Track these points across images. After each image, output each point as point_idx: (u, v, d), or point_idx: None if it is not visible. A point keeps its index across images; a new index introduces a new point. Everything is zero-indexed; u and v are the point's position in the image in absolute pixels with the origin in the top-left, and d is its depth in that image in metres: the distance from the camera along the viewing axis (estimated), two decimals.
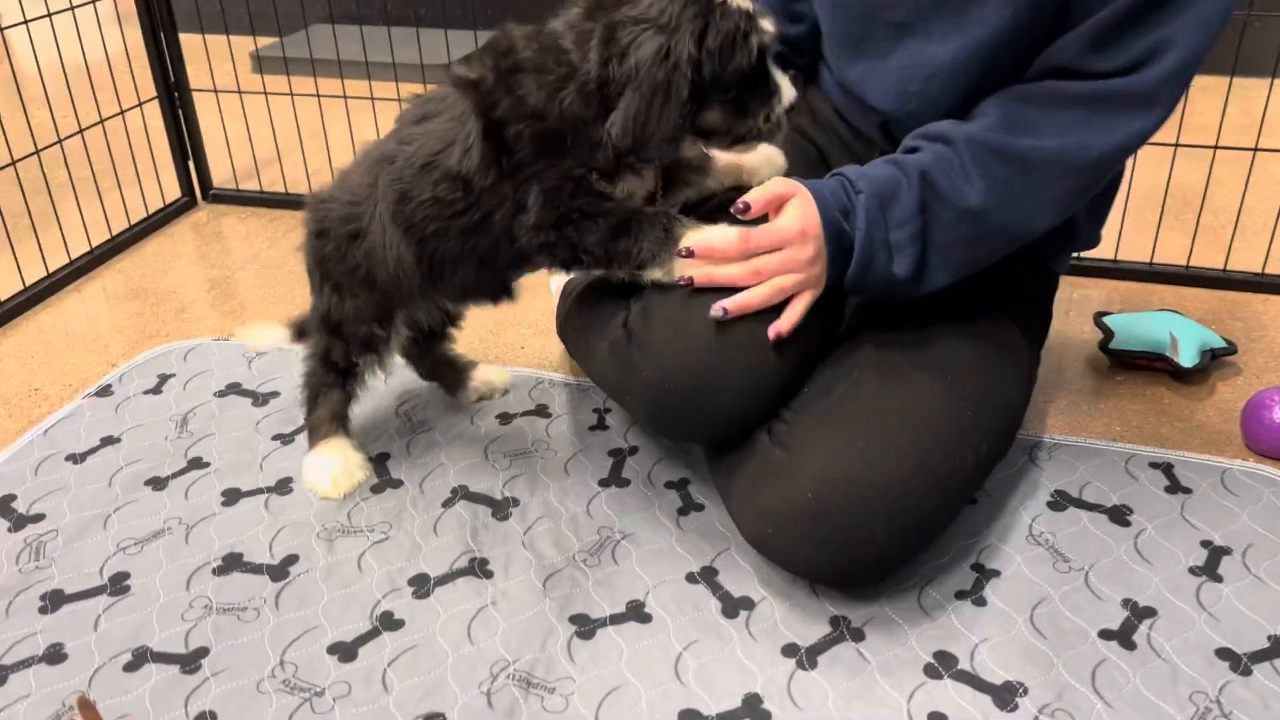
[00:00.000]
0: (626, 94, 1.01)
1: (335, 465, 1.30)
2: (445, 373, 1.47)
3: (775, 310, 1.09)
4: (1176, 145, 1.72)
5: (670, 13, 1.00)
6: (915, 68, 1.13)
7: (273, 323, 1.47)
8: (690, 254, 1.07)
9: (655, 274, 1.10)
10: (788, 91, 1.07)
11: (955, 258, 1.10)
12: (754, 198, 1.06)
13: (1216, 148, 1.70)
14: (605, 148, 1.05)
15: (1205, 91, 1.87)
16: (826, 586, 1.12)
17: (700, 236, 1.08)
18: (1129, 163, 1.81)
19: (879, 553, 1.06)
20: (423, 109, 1.16)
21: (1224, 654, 1.04)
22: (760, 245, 1.06)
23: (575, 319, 1.31)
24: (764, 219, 1.08)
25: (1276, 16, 2.14)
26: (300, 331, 1.42)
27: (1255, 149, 1.70)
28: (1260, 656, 1.04)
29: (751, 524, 1.10)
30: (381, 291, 1.22)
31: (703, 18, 1.00)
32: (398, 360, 1.49)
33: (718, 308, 1.06)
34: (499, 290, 1.22)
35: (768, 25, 1.04)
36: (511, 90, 1.07)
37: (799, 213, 1.06)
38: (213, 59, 2.20)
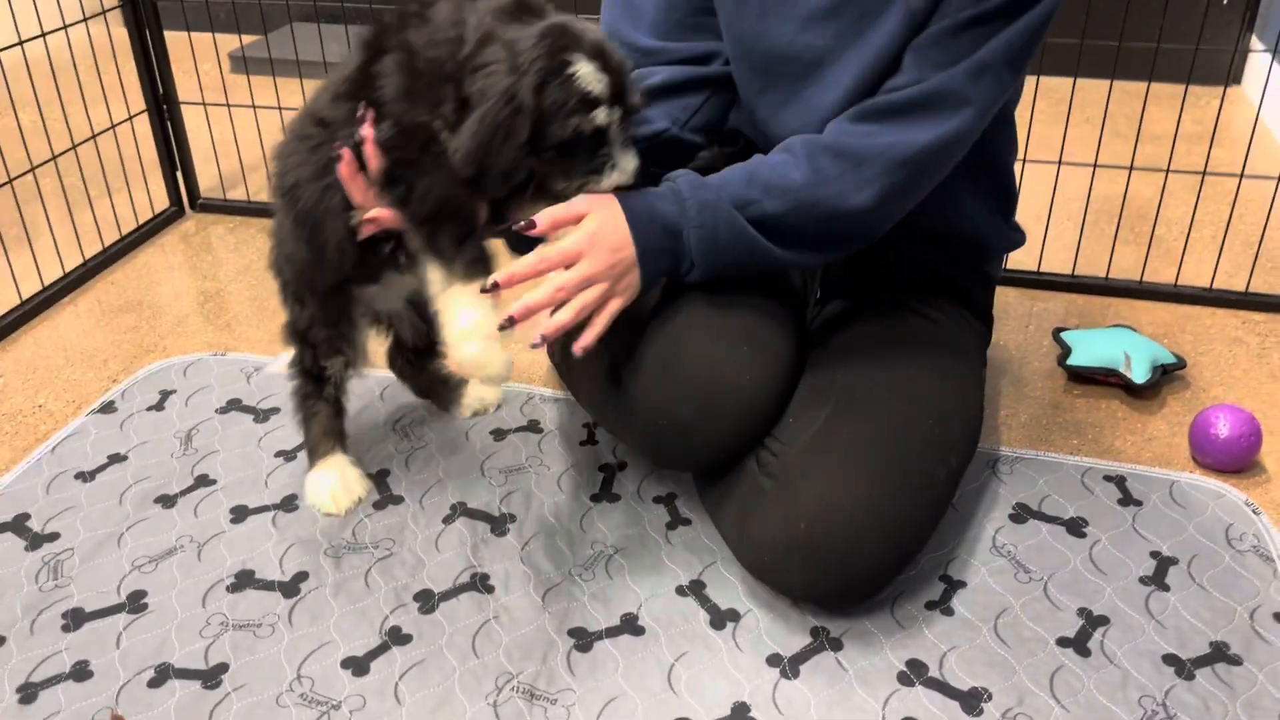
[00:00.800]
0: (471, 121, 1.04)
1: (335, 482, 1.37)
2: (438, 390, 1.54)
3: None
4: (1131, 169, 1.81)
5: (527, 58, 1.03)
6: (818, 108, 1.19)
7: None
8: (495, 287, 1.09)
9: (445, 278, 1.12)
10: (614, 177, 1.10)
11: (787, 231, 1.15)
12: (540, 217, 1.09)
13: (1168, 171, 1.80)
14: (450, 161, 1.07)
15: (1158, 101, 1.97)
16: (821, 607, 1.20)
17: (503, 270, 1.10)
18: (1085, 179, 1.90)
19: (870, 572, 1.15)
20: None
21: (1170, 659, 1.14)
22: (553, 264, 1.08)
23: (563, 357, 1.37)
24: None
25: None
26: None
27: (1204, 173, 1.79)
28: (1202, 662, 1.13)
29: (748, 553, 1.19)
30: (309, 287, 1.28)
31: (544, 77, 1.03)
32: (390, 376, 1.56)
33: (535, 337, 1.08)
34: (383, 263, 1.24)
35: (600, 116, 1.06)
36: (401, 29, 1.10)
37: (589, 228, 1.09)
38: (190, 59, 2.23)
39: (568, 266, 1.08)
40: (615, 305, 1.12)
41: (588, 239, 1.09)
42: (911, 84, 1.11)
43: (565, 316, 1.09)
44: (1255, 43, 2.68)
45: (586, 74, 1.04)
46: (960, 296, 1.36)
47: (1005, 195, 1.36)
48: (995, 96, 1.13)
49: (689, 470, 1.35)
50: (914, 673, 1.13)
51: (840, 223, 1.15)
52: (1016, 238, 1.39)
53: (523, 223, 1.09)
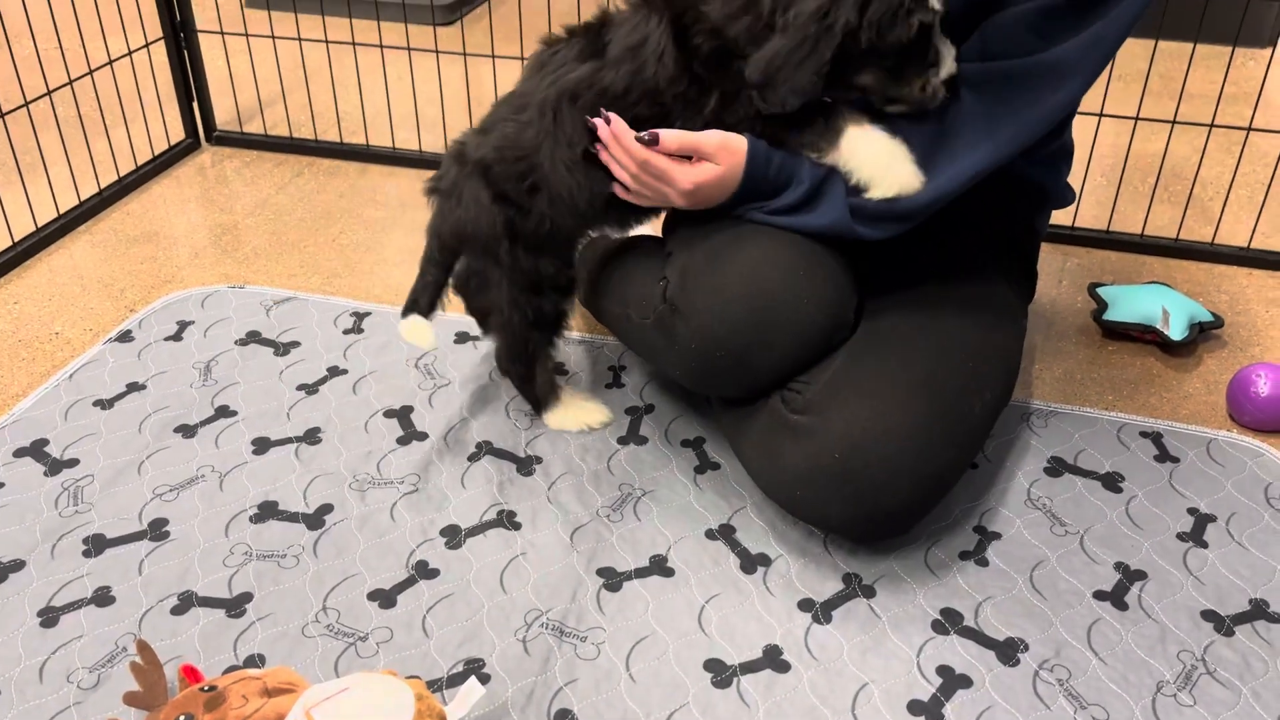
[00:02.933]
0: (775, 37, 1.07)
1: (584, 410, 1.38)
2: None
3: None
4: (1174, 123, 1.77)
5: None
6: None
7: (423, 321, 1.29)
8: (654, 139, 1.14)
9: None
10: (947, 65, 1.10)
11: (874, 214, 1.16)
12: (667, 136, 1.14)
13: (1212, 126, 1.76)
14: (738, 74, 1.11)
15: (1203, 62, 1.93)
16: (855, 542, 1.19)
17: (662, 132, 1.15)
18: (1123, 135, 1.86)
19: (904, 504, 1.13)
20: (590, 43, 1.19)
21: (1209, 615, 1.12)
22: (686, 146, 1.15)
23: (609, 294, 1.35)
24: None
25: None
26: (483, 319, 1.43)
27: (1249, 128, 1.75)
28: (1242, 619, 1.12)
29: (780, 489, 1.16)
30: (565, 236, 1.26)
31: None
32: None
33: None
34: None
35: (935, 3, 1.06)
36: (696, 5, 1.13)
37: (717, 171, 1.15)
38: None
39: (686, 157, 1.15)
40: (675, 202, 1.18)
41: (715, 175, 1.15)
42: (1028, 53, 1.11)
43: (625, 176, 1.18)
44: None
45: None
46: (1006, 249, 1.33)
47: (1066, 150, 1.33)
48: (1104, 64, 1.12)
49: (744, 396, 1.28)
50: (949, 621, 1.11)
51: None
52: (1069, 194, 1.36)
53: (646, 135, 1.14)
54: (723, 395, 1.28)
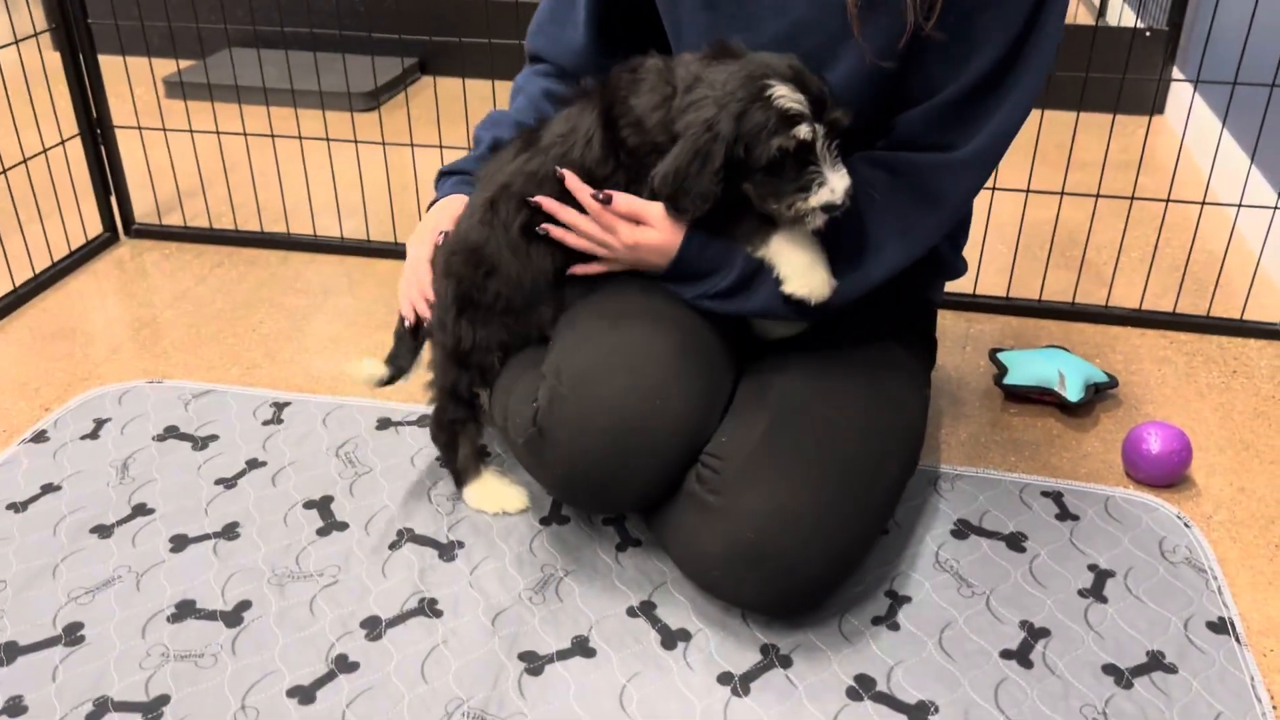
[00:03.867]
0: (675, 146, 1.13)
1: (500, 488, 1.40)
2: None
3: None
4: (1062, 194, 1.87)
5: (729, 90, 1.11)
6: None
7: (369, 359, 1.41)
8: (608, 199, 1.20)
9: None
10: (822, 194, 1.12)
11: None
12: (618, 199, 1.20)
13: (1098, 196, 1.85)
14: (648, 187, 1.18)
15: (1085, 130, 2.03)
16: (769, 617, 1.22)
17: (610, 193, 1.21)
18: (1019, 205, 1.96)
19: (816, 581, 1.16)
20: (525, 141, 1.28)
21: (1109, 669, 1.16)
22: (619, 213, 1.21)
23: (495, 404, 1.36)
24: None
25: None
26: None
27: (1132, 197, 1.85)
28: (1140, 671, 1.16)
29: (696, 568, 1.19)
30: (515, 315, 1.30)
31: (745, 104, 1.10)
32: (333, 400, 1.54)
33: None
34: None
35: (802, 131, 1.09)
36: (625, 98, 1.19)
37: (652, 238, 1.21)
38: (124, 83, 2.20)
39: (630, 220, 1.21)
40: (609, 266, 1.25)
41: (655, 241, 1.21)
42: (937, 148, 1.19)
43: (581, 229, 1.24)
44: (1176, 73, 2.78)
45: (784, 94, 1.09)
46: (906, 319, 1.39)
47: (963, 224, 1.41)
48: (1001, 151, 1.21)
49: (611, 513, 1.37)
50: (862, 687, 1.14)
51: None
52: (960, 266, 1.42)
53: (600, 195, 1.20)
54: (594, 513, 1.35)
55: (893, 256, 1.20)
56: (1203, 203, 1.88)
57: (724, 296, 1.23)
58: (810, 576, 1.15)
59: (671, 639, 1.20)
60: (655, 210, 1.20)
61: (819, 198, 1.12)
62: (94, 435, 1.54)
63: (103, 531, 1.35)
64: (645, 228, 1.21)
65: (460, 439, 1.37)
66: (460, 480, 1.40)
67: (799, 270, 1.17)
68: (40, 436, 1.54)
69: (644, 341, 1.20)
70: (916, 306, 1.42)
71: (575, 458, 1.18)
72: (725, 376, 1.26)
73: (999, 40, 1.14)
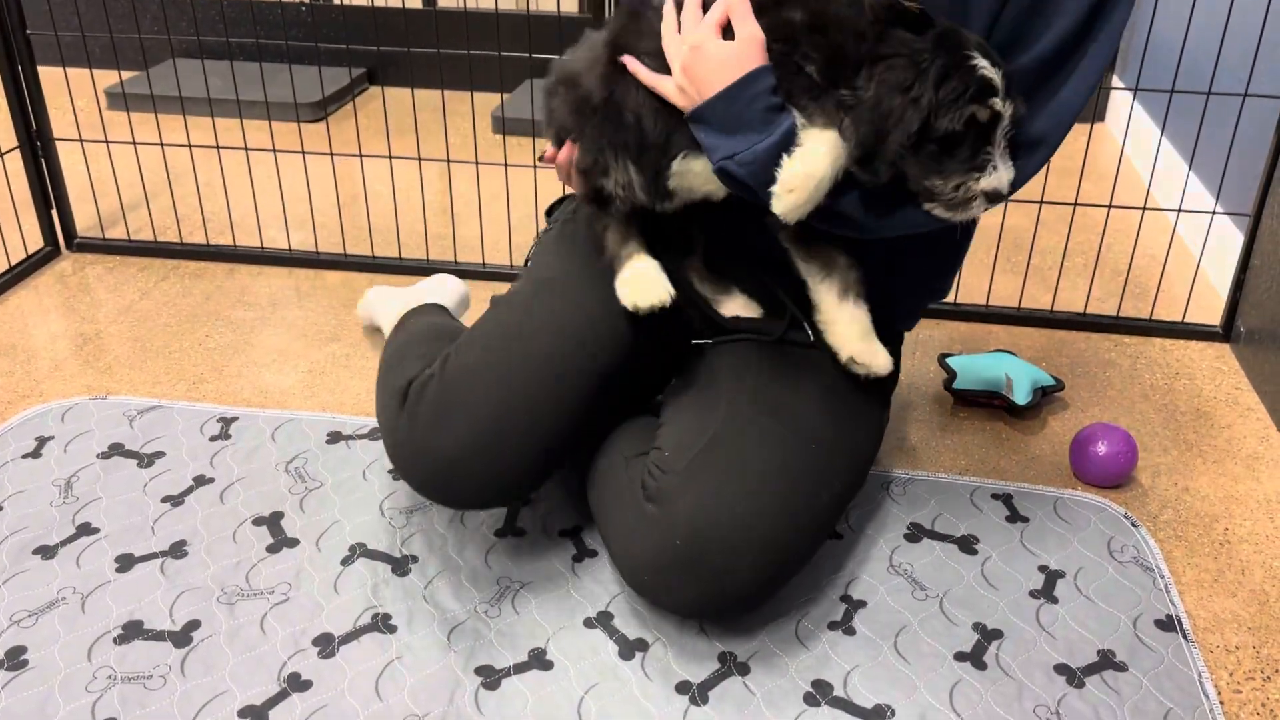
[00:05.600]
0: (865, 108, 1.05)
1: (642, 289, 1.25)
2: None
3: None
4: (1006, 200, 1.89)
5: (928, 56, 1.05)
6: None
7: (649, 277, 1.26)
8: None
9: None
10: (993, 178, 1.07)
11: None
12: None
13: (1041, 203, 1.89)
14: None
15: None
16: (703, 620, 1.22)
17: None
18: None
19: (746, 588, 1.16)
20: None
21: (1061, 669, 1.18)
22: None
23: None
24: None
25: None
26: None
27: (1075, 204, 1.89)
28: (1091, 670, 1.18)
29: (629, 572, 1.20)
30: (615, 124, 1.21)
31: (945, 70, 1.04)
32: (283, 414, 1.52)
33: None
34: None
35: (997, 104, 1.05)
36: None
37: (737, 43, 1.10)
38: (63, 95, 2.16)
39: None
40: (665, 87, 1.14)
41: (714, 51, 1.09)
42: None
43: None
44: (1115, 81, 2.84)
45: (984, 66, 1.04)
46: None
47: (959, 251, 1.38)
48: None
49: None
50: (819, 693, 1.15)
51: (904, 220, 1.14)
52: (948, 287, 1.41)
53: None
54: (440, 498, 1.30)
55: (914, 220, 1.13)
56: (1143, 208, 1.92)
57: (755, 163, 1.09)
58: (739, 586, 1.15)
59: (629, 649, 1.20)
60: (748, 28, 1.09)
61: (989, 181, 1.06)
62: (36, 454, 1.51)
63: (46, 552, 1.32)
64: (719, 43, 1.09)
65: (608, 234, 1.27)
66: (614, 265, 1.27)
67: (808, 184, 1.07)
68: None
69: (522, 361, 1.24)
70: (887, 341, 1.38)
71: (429, 442, 1.21)
72: (597, 410, 1.28)
73: (1067, 20, 1.11)
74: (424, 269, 2.03)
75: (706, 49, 1.10)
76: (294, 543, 1.35)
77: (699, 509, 1.14)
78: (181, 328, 1.87)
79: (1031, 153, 1.14)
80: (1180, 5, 2.04)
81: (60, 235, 2.13)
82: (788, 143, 1.07)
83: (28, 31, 1.97)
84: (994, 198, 1.08)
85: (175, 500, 1.42)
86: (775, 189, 1.06)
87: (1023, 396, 1.61)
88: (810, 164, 1.06)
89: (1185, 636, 1.22)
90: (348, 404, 1.64)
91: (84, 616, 1.23)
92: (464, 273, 2.00)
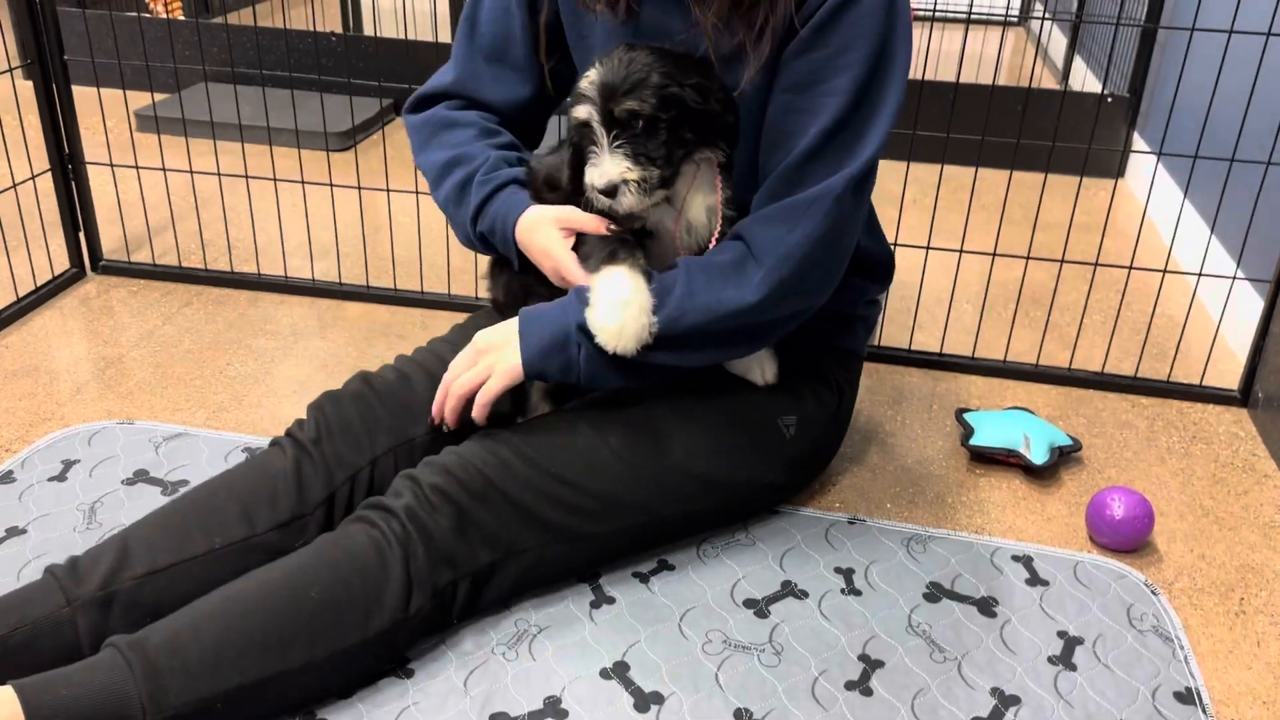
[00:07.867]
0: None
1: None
2: None
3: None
4: (1028, 258, 1.91)
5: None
6: None
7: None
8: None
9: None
10: (592, 174, 1.21)
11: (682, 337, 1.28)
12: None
13: (1063, 261, 1.90)
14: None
15: (1051, 191, 2.09)
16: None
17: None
18: (986, 266, 1.98)
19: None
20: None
21: None
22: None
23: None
24: None
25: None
26: None
27: (1096, 264, 1.90)
28: None
29: None
30: None
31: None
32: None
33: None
34: None
35: (580, 111, 1.20)
36: None
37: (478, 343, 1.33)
38: (97, 114, 2.18)
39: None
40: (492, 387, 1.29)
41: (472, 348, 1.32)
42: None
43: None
44: (1138, 141, 2.86)
45: (590, 76, 1.19)
46: (807, 366, 1.46)
47: (869, 268, 1.47)
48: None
49: None
50: None
51: (733, 320, 1.26)
52: (871, 315, 1.49)
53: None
54: None
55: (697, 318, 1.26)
56: (1164, 270, 1.93)
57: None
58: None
59: (645, 702, 1.20)
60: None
61: (588, 177, 1.21)
62: (61, 477, 1.51)
63: None
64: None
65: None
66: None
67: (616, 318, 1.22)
68: (7, 477, 1.51)
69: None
70: (826, 355, 1.49)
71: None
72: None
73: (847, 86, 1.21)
74: (445, 303, 2.04)
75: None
76: None
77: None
78: (203, 355, 1.88)
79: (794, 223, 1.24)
80: (1206, 73, 2.06)
81: (86, 257, 2.15)
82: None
83: (65, 57, 2.00)
84: (606, 192, 1.20)
85: None
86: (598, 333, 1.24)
87: (1040, 457, 1.61)
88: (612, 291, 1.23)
89: (1205, 710, 1.22)
90: None
91: None
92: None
